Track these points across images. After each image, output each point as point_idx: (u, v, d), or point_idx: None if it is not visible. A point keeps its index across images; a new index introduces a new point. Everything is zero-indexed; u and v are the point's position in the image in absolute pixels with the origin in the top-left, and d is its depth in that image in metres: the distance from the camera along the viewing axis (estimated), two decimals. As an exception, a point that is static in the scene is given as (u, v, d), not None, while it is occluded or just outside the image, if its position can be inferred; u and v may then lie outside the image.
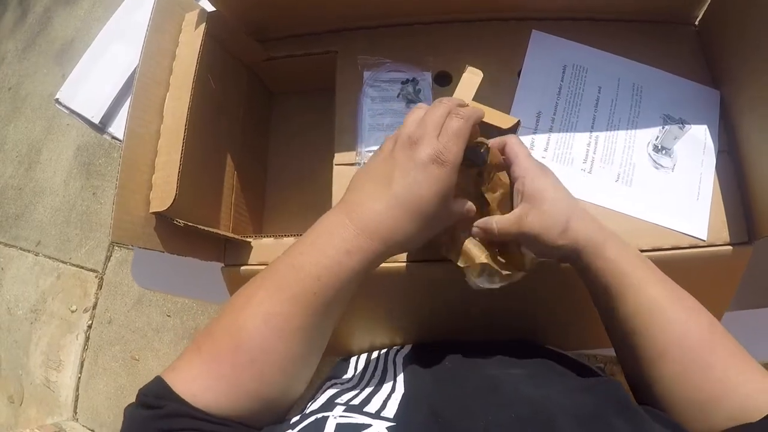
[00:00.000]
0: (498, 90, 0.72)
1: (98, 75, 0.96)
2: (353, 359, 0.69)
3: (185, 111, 0.61)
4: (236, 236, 0.67)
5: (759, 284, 0.70)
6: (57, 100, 0.96)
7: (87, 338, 2.05)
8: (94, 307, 2.08)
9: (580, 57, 0.74)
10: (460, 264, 0.54)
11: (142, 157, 0.60)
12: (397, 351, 0.66)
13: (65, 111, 0.95)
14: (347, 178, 0.69)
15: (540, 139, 0.70)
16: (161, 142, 0.61)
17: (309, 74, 0.84)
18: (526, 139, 0.70)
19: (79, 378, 2.01)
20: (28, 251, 2.29)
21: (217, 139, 0.73)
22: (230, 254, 0.69)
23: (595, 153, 0.69)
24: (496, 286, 0.55)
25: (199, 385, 0.42)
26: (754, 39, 0.63)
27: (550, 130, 0.70)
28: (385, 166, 0.47)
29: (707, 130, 0.69)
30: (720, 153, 0.68)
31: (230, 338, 0.43)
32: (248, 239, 0.68)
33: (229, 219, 0.74)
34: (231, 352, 0.43)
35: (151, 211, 0.58)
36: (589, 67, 0.73)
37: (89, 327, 2.06)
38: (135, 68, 0.91)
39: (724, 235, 0.64)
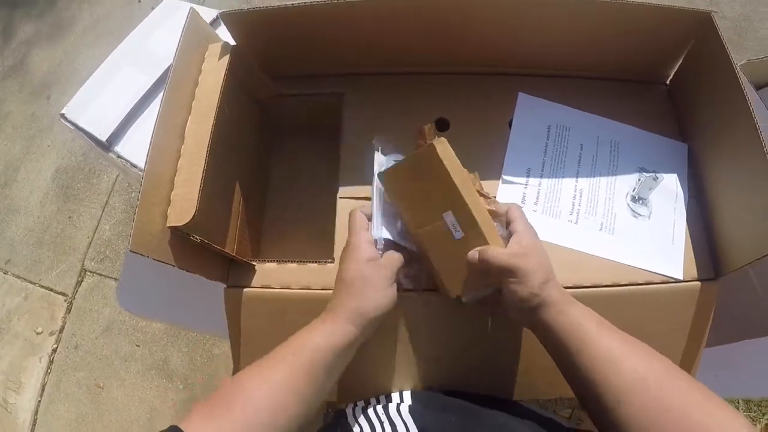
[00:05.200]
0: (491, 137, 0.79)
1: (108, 95, 0.99)
2: (350, 417, 0.70)
3: (207, 134, 0.65)
4: (243, 258, 0.70)
5: (729, 319, 0.75)
6: (63, 116, 0.99)
7: (51, 362, 2.00)
8: (61, 330, 2.04)
9: (563, 117, 0.81)
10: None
11: (163, 174, 0.63)
12: (398, 405, 0.68)
13: (70, 127, 0.98)
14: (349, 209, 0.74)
15: (530, 193, 0.76)
16: (181, 162, 0.65)
17: (315, 113, 0.88)
18: (517, 194, 0.76)
19: (39, 401, 1.95)
20: (-3, 268, 2.25)
21: (230, 167, 0.77)
22: (234, 276, 0.72)
23: (580, 205, 0.75)
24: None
25: (208, 429, 0.49)
26: (721, 97, 0.71)
27: (539, 186, 0.76)
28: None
29: (677, 179, 0.76)
30: (689, 199, 0.75)
31: (236, 393, 0.53)
32: (253, 262, 0.72)
33: (234, 244, 0.77)
34: (236, 403, 0.52)
35: (168, 225, 0.61)
36: (572, 126, 0.80)
37: (54, 351, 2.01)
38: (145, 92, 0.97)
39: (693, 272, 0.71)
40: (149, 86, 0.99)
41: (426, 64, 0.83)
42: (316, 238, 0.78)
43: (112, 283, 2.08)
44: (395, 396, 0.72)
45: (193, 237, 0.61)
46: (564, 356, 0.57)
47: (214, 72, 0.71)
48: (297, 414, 0.55)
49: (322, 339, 0.57)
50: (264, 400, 0.53)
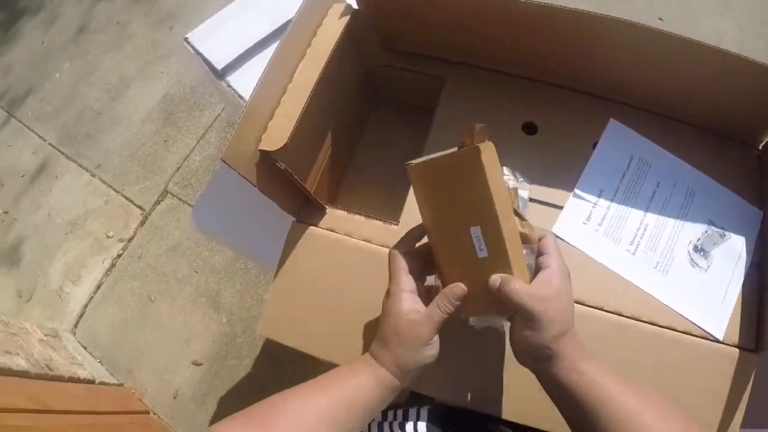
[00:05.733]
0: (572, 154, 0.80)
1: (230, 31, 1.07)
2: None
3: (314, 79, 0.70)
4: (317, 198, 0.76)
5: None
6: (186, 39, 1.07)
7: (113, 265, 2.12)
8: (130, 240, 2.16)
9: (647, 152, 0.81)
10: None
11: (266, 104, 0.69)
12: (415, 424, 0.70)
13: (191, 50, 1.05)
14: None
15: (597, 213, 0.78)
16: (285, 97, 0.71)
17: (416, 90, 0.93)
18: (585, 210, 0.78)
19: (92, 297, 2.08)
20: (87, 170, 2.39)
21: (327, 115, 0.82)
22: (304, 213, 0.78)
23: (641, 238, 0.76)
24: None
25: None
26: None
27: (608, 209, 0.78)
28: None
29: (744, 242, 0.75)
30: (750, 265, 0.74)
31: (276, 411, 0.55)
32: (325, 206, 0.77)
33: (313, 186, 0.82)
34: (274, 421, 0.54)
35: (259, 148, 0.66)
36: (653, 163, 0.81)
37: (119, 256, 2.14)
38: (265, 36, 1.04)
39: (735, 338, 0.69)
40: (269, 32, 1.06)
41: (529, 70, 0.85)
42: (389, 200, 0.82)
43: (188, 210, 2.18)
44: (412, 413, 0.72)
45: (279, 164, 0.66)
46: (578, 415, 0.54)
47: (332, 28, 0.77)
48: None
49: (364, 380, 0.58)
50: (301, 425, 0.54)
